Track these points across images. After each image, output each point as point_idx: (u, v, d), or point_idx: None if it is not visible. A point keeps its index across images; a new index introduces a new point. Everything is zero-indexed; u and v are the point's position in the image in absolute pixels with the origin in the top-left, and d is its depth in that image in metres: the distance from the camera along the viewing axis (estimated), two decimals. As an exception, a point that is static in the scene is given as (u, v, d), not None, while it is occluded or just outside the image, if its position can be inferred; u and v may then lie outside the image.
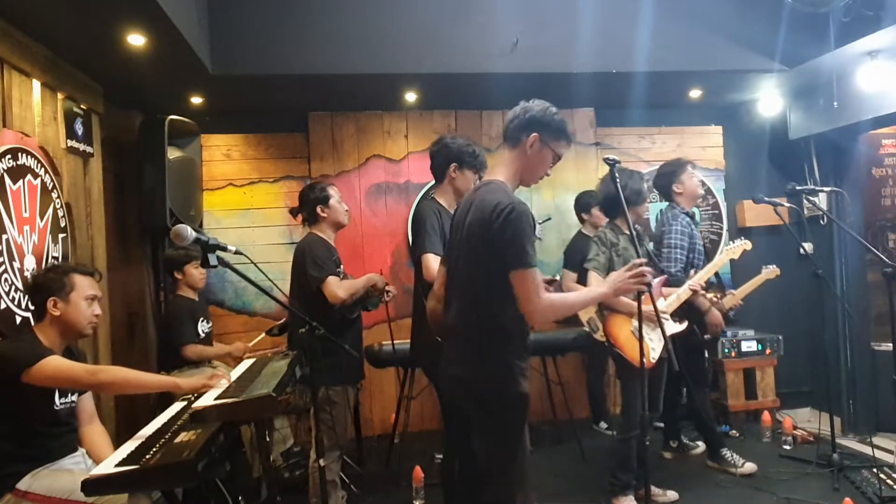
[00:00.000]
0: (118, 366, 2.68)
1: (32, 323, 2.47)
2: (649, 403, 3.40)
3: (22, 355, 2.23)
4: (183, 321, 3.79)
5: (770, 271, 3.94)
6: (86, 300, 2.42)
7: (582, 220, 4.70)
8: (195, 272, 3.90)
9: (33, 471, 2.24)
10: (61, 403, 2.38)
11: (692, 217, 3.82)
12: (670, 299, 3.48)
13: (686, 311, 3.63)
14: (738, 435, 4.52)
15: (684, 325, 3.46)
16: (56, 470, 2.29)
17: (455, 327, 2.26)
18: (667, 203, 3.87)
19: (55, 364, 2.23)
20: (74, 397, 2.46)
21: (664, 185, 3.86)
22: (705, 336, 3.85)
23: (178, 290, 3.95)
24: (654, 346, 3.35)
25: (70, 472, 2.30)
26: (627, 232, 3.47)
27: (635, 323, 3.38)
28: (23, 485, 2.20)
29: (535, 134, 2.20)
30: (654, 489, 3.43)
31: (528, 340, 2.23)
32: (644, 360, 3.28)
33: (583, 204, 4.63)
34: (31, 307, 2.47)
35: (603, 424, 4.77)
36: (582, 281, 3.81)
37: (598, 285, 2.35)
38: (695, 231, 3.76)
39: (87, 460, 2.46)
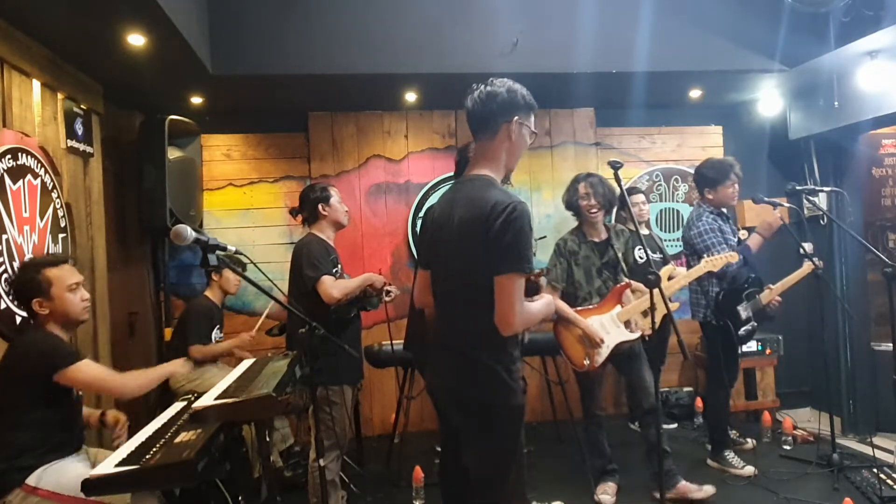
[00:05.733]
0: (124, 370, 2.68)
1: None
2: (641, 397, 3.45)
3: (60, 355, 2.26)
4: (201, 321, 3.84)
5: (806, 267, 3.84)
6: (69, 291, 2.39)
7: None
8: (232, 277, 3.97)
9: (43, 465, 2.25)
10: (77, 395, 2.44)
11: (721, 215, 3.81)
12: (632, 304, 3.46)
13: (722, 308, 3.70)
14: (752, 447, 4.28)
15: (637, 334, 3.41)
16: (64, 466, 2.30)
17: (444, 334, 2.13)
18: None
19: (89, 371, 2.27)
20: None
21: (699, 184, 3.90)
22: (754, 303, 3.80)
23: (206, 291, 4.02)
24: (601, 352, 3.40)
25: (77, 468, 2.31)
26: (595, 239, 3.54)
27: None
28: (32, 480, 2.21)
29: (515, 117, 2.04)
30: (689, 485, 3.44)
31: (519, 346, 2.11)
32: (588, 363, 3.41)
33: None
34: (24, 311, 2.45)
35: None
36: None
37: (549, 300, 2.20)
38: (725, 227, 3.76)
39: (91, 458, 2.46)
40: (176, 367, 2.55)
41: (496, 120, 2.04)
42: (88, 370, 2.28)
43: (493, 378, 2.00)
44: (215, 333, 3.94)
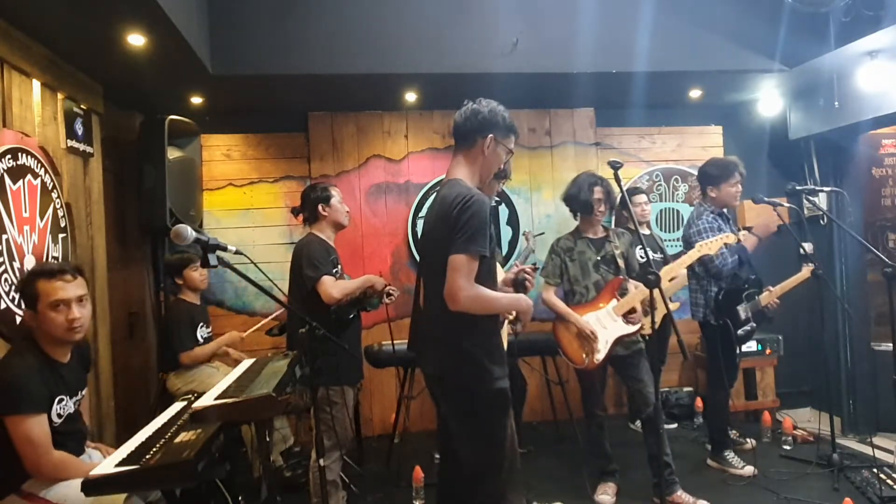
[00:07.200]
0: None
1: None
2: (641, 397, 3.45)
3: (11, 397, 2.09)
4: (181, 327, 3.78)
5: (806, 271, 3.85)
6: (51, 309, 2.20)
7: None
8: (194, 275, 3.91)
9: None
10: (59, 415, 2.26)
11: (721, 215, 3.82)
12: (628, 296, 3.45)
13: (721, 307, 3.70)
14: (752, 447, 4.21)
15: (636, 326, 3.40)
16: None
17: (431, 327, 2.26)
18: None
19: (31, 431, 2.07)
20: (78, 397, 2.42)
21: (703, 182, 3.92)
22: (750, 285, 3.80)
23: (180, 294, 3.97)
24: (601, 348, 3.39)
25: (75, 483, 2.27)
26: (591, 236, 3.58)
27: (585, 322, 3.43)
28: (27, 486, 2.19)
29: (490, 135, 2.25)
30: (685, 496, 3.39)
31: (500, 334, 2.21)
32: (588, 360, 3.41)
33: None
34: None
35: (638, 423, 4.73)
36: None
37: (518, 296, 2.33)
38: (725, 227, 3.76)
39: (94, 460, 2.44)
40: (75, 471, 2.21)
41: (474, 134, 2.26)
42: (31, 429, 2.07)
43: (472, 363, 2.12)
44: (202, 332, 3.89)
